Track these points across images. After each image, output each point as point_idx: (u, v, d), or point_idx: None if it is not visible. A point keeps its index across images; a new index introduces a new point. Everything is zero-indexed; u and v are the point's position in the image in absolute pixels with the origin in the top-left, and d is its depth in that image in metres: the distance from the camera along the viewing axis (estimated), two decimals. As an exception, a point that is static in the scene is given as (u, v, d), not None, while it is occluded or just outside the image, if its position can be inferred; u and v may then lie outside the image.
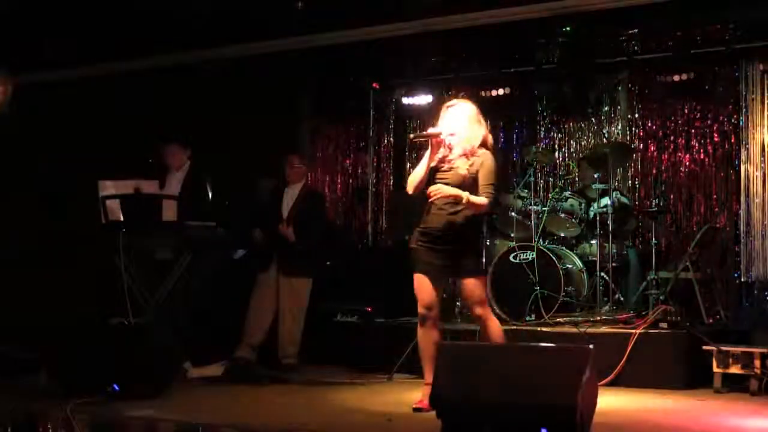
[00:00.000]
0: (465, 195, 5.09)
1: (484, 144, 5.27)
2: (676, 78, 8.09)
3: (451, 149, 5.22)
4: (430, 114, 5.36)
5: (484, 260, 7.58)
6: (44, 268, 7.96)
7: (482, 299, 5.25)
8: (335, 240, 8.67)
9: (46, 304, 7.51)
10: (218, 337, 7.12)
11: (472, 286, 5.19)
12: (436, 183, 5.19)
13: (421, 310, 5.26)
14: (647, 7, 7.21)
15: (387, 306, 7.59)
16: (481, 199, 5.14)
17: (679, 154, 8.47)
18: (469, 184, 5.17)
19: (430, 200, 5.21)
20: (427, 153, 5.24)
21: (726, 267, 8.02)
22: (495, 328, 5.27)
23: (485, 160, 5.22)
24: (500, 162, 8.76)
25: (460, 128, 5.20)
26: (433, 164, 5.23)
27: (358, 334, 7.40)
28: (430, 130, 5.27)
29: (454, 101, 5.36)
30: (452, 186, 5.15)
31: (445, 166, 5.22)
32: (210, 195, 6.93)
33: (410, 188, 5.30)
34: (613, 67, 8.58)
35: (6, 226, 7.67)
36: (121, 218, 6.11)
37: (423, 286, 5.23)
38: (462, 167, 5.18)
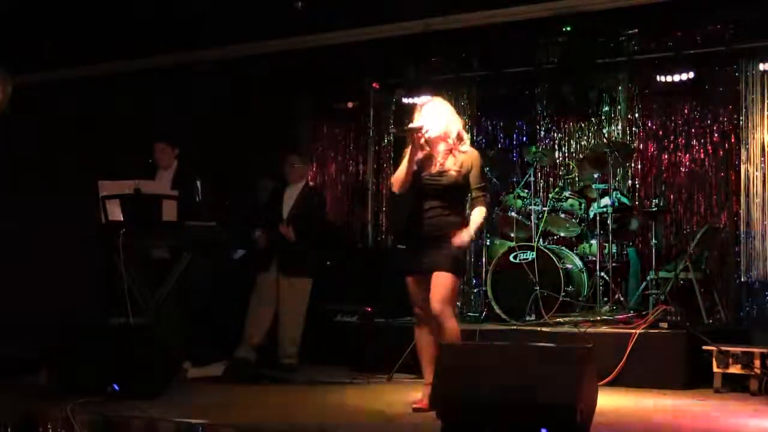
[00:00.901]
0: (467, 233, 5.07)
1: (460, 137, 5.24)
2: (676, 78, 8.08)
3: (432, 146, 5.19)
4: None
5: (483, 263, 7.64)
6: (44, 268, 7.97)
7: (444, 297, 5.06)
8: (335, 240, 8.66)
9: (46, 304, 7.51)
10: (218, 337, 7.12)
11: (437, 279, 5.07)
12: (428, 187, 5.16)
13: (415, 310, 5.25)
14: (647, 7, 7.21)
15: (387, 306, 7.59)
16: (479, 215, 5.14)
17: (679, 154, 8.47)
18: (462, 184, 5.17)
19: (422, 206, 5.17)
20: (409, 150, 5.20)
21: (726, 267, 8.03)
22: (449, 332, 5.06)
23: (474, 159, 5.20)
24: (500, 162, 8.86)
25: (438, 124, 5.18)
26: (422, 167, 5.19)
27: (358, 334, 7.40)
28: (411, 125, 5.23)
29: (428, 99, 5.36)
30: (445, 188, 5.14)
31: (435, 169, 5.18)
32: (199, 194, 6.91)
33: (395, 187, 5.26)
34: (613, 67, 8.58)
35: (7, 226, 7.67)
36: (121, 218, 6.11)
37: (415, 288, 5.21)
38: (452, 169, 5.15)
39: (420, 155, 5.20)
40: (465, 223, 5.20)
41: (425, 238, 5.16)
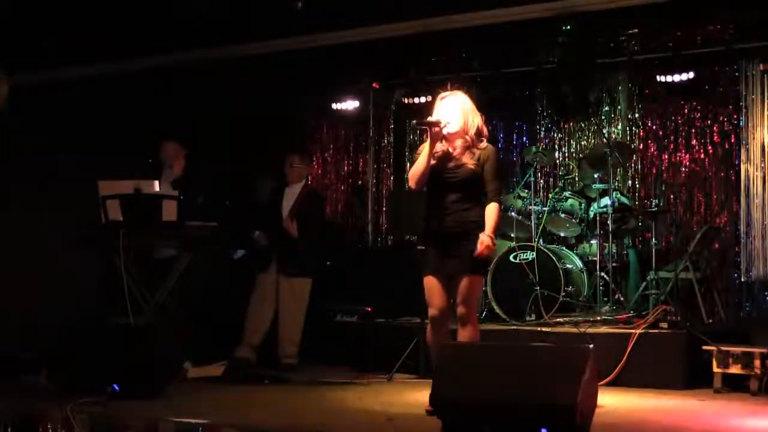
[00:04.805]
0: (487, 237, 4.99)
1: (480, 133, 5.15)
2: (676, 78, 8.08)
3: (449, 141, 5.12)
4: (430, 114, 5.28)
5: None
6: (44, 268, 7.96)
7: (469, 298, 5.06)
8: (335, 240, 8.67)
9: (46, 304, 7.51)
10: (218, 337, 7.12)
11: (464, 283, 5.03)
12: (444, 181, 5.08)
13: (432, 311, 5.15)
14: (647, 7, 7.21)
15: (387, 306, 7.59)
16: (493, 212, 5.06)
17: (679, 154, 8.47)
18: (479, 178, 5.08)
19: (444, 203, 5.08)
20: (426, 144, 5.11)
21: (726, 267, 8.02)
22: (470, 334, 5.08)
23: (490, 154, 5.11)
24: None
25: (456, 118, 5.09)
26: (438, 162, 5.10)
27: (358, 334, 7.40)
28: (431, 119, 5.13)
29: (447, 93, 5.23)
30: (462, 182, 5.05)
31: (452, 164, 5.09)
32: (205, 193, 6.93)
33: (412, 182, 5.15)
34: (613, 67, 8.58)
35: (6, 225, 7.66)
36: (121, 218, 6.11)
37: (433, 289, 5.11)
38: (469, 163, 5.06)
39: (438, 150, 5.12)
40: (481, 222, 5.09)
41: (446, 237, 5.07)
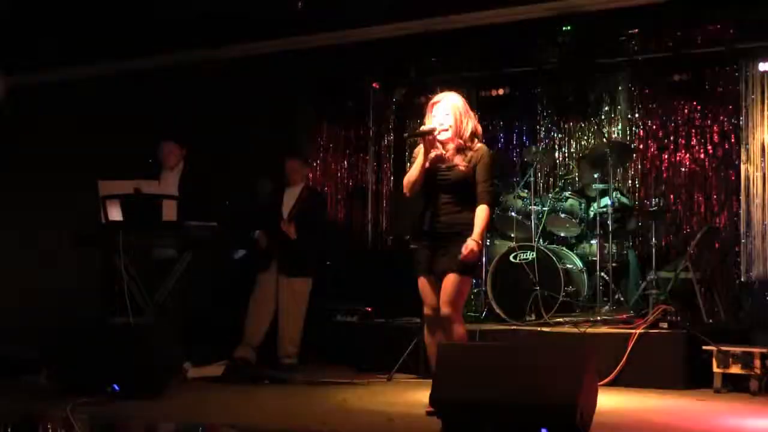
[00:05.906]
0: (474, 242, 4.96)
1: (474, 134, 5.13)
2: (676, 78, 8.08)
3: (444, 145, 5.11)
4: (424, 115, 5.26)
5: (483, 263, 7.62)
6: (44, 268, 7.97)
7: (453, 299, 5.02)
8: (335, 240, 8.67)
9: (46, 304, 7.52)
10: (218, 337, 7.12)
11: (448, 281, 5.01)
12: (436, 183, 5.10)
13: (426, 311, 5.16)
14: (647, 7, 7.22)
15: (387, 306, 7.59)
16: (482, 215, 5.03)
17: (679, 154, 8.47)
18: (471, 180, 5.07)
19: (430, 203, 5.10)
20: (421, 152, 5.12)
21: (726, 267, 8.02)
22: (456, 336, 5.03)
23: (483, 154, 5.10)
24: (499, 161, 8.85)
25: (449, 124, 5.07)
26: (431, 164, 5.11)
27: (358, 334, 7.40)
28: (423, 128, 5.13)
29: (439, 96, 5.21)
30: (454, 183, 5.06)
31: (444, 166, 5.10)
32: (208, 194, 6.93)
33: (407, 189, 5.17)
34: (613, 67, 8.58)
35: (6, 226, 7.68)
36: (121, 218, 6.11)
37: (427, 289, 5.13)
38: (461, 165, 5.06)
39: (432, 155, 5.12)
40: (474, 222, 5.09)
41: (437, 237, 5.08)
